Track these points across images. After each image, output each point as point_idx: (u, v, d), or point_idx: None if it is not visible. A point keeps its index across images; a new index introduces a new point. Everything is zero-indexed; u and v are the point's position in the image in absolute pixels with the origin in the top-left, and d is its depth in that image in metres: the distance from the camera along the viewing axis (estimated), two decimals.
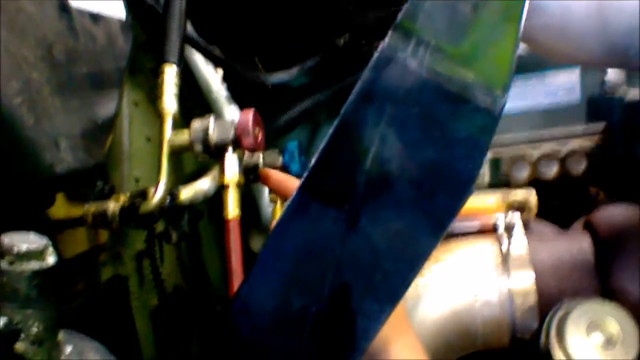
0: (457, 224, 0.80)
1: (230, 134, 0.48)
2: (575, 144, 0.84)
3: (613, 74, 0.83)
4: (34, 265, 0.27)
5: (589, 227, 0.72)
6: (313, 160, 0.34)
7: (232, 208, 0.47)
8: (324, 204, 0.35)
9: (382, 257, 0.34)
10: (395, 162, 0.34)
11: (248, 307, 0.36)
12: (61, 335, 0.30)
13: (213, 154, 0.48)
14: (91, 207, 0.50)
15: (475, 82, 0.33)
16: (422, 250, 0.34)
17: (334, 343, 0.36)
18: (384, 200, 0.34)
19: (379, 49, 0.33)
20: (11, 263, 0.26)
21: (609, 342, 0.57)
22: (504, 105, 0.33)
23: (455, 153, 0.33)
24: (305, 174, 0.35)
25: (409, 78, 0.33)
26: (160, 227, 0.62)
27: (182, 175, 0.75)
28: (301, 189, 0.35)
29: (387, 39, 0.33)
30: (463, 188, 0.33)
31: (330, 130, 0.34)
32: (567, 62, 0.77)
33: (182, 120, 0.54)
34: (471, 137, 0.33)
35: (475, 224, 0.79)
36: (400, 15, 0.33)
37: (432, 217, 0.34)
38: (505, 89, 0.33)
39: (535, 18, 0.53)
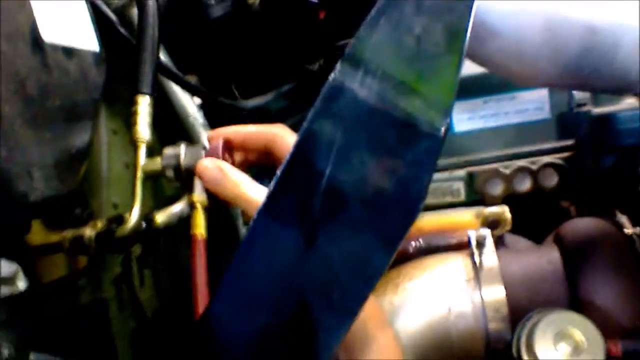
0: (434, 240, 0.83)
1: (201, 159, 0.50)
2: (546, 159, 0.87)
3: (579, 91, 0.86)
4: (4, 291, 0.29)
5: (558, 240, 0.74)
6: (272, 183, 0.37)
7: (199, 225, 0.49)
8: (284, 224, 0.37)
9: (339, 275, 0.37)
10: (349, 185, 0.36)
11: (214, 327, 0.38)
12: (32, 357, 0.32)
13: (184, 179, 0.50)
14: (68, 233, 0.51)
15: (420, 108, 0.35)
16: (376, 267, 0.36)
17: (297, 358, 0.37)
18: (339, 220, 0.36)
19: (329, 78, 0.35)
20: None
21: (576, 351, 0.59)
22: (447, 129, 0.35)
23: (404, 175, 0.36)
24: (265, 196, 0.37)
25: (358, 106, 0.35)
26: (138, 251, 0.64)
27: (161, 201, 0.76)
28: (262, 210, 0.37)
29: (336, 70, 0.35)
30: (413, 208, 0.36)
31: (287, 155, 0.36)
32: (527, 84, 0.80)
33: (160, 148, 0.56)
34: (418, 160, 0.35)
35: (450, 240, 0.82)
36: (348, 48, 0.36)
37: (385, 236, 0.36)
38: (448, 113, 0.35)
39: (490, 42, 0.56)
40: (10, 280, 0.29)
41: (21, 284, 0.30)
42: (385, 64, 0.36)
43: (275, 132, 0.50)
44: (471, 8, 0.37)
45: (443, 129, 0.35)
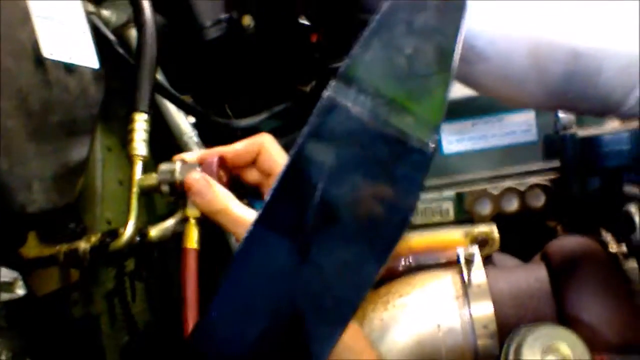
0: (423, 259, 0.84)
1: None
2: (533, 180, 0.89)
3: (565, 114, 0.88)
4: (4, 296, 0.30)
5: (545, 258, 0.76)
6: (268, 196, 0.38)
7: (191, 239, 0.50)
8: (279, 235, 0.38)
9: (332, 285, 0.38)
10: (342, 198, 0.37)
11: (209, 335, 0.39)
12: None
13: (179, 195, 0.51)
14: (63, 247, 0.52)
15: (411, 125, 0.37)
16: (368, 277, 0.37)
17: None
18: (332, 232, 0.37)
19: (324, 96, 0.37)
20: None
21: None
22: (436, 145, 0.37)
23: (395, 189, 0.37)
24: (261, 208, 0.38)
25: (351, 122, 0.37)
26: (131, 266, 0.64)
27: (153, 218, 0.77)
28: (257, 222, 0.38)
29: (330, 88, 0.37)
30: (403, 220, 0.37)
31: (282, 169, 0.38)
32: (514, 105, 0.82)
33: (154, 164, 0.57)
34: (408, 175, 0.37)
35: (440, 258, 0.83)
36: (342, 67, 0.37)
37: (376, 247, 0.37)
38: (437, 130, 0.37)
39: (479, 65, 0.58)
40: (10, 286, 0.30)
41: (20, 291, 0.31)
42: (377, 82, 0.37)
43: (259, 142, 0.52)
44: (459, 30, 0.39)
45: (432, 145, 0.36)
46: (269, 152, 0.52)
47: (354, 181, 0.37)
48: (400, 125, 0.37)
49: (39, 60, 0.45)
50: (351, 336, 0.41)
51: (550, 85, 0.58)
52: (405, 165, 0.37)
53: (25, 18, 0.44)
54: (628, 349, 0.63)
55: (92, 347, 0.60)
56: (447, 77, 0.38)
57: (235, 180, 0.54)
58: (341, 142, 0.37)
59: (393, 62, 0.38)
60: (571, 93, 0.59)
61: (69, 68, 0.48)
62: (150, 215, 0.76)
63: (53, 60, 0.46)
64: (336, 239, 0.37)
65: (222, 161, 0.52)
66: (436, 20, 0.39)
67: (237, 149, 0.53)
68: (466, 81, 0.62)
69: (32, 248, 0.52)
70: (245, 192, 0.54)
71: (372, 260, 0.37)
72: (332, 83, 0.37)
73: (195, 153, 0.53)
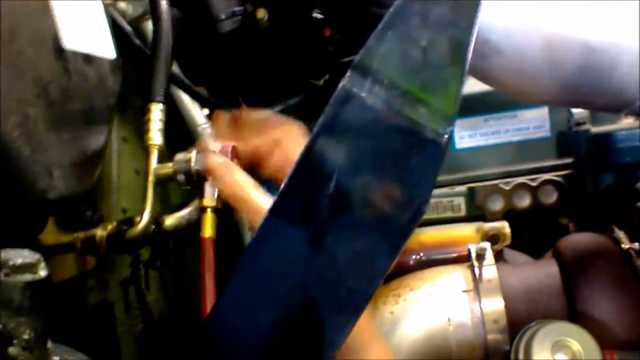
0: (435, 254, 0.84)
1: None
2: (546, 176, 0.88)
3: (579, 110, 0.88)
4: (27, 277, 0.30)
5: (556, 254, 0.75)
6: (282, 185, 0.38)
7: (208, 228, 0.50)
8: (292, 224, 0.38)
9: (345, 274, 0.38)
10: (355, 188, 0.37)
11: (223, 322, 0.40)
12: (50, 345, 0.33)
13: (194, 184, 0.52)
14: (80, 234, 0.53)
15: (425, 116, 0.37)
16: (380, 267, 0.38)
17: (304, 354, 0.39)
18: (346, 222, 0.38)
19: (339, 86, 0.37)
20: (7, 275, 0.30)
21: None
22: (450, 136, 0.37)
23: (408, 180, 0.37)
24: (275, 198, 0.39)
25: (366, 113, 0.37)
26: (146, 254, 0.65)
27: (168, 208, 0.78)
28: (271, 211, 0.39)
29: (346, 78, 0.37)
30: (417, 210, 0.37)
31: (297, 159, 0.38)
32: (528, 100, 0.82)
33: (169, 155, 0.58)
34: (421, 165, 0.37)
35: (451, 254, 0.83)
36: (357, 57, 0.38)
37: (389, 237, 0.38)
38: (451, 122, 0.37)
39: (493, 59, 0.58)
40: (33, 267, 0.31)
41: (43, 272, 0.32)
42: (392, 73, 0.38)
43: (277, 139, 0.53)
44: (474, 22, 0.39)
45: (446, 136, 0.37)
46: (291, 142, 0.52)
47: (368, 171, 0.37)
48: (414, 116, 0.37)
49: (59, 50, 0.45)
50: (362, 326, 0.42)
51: (564, 80, 0.58)
52: (419, 156, 0.37)
53: (45, 9, 0.45)
54: (638, 346, 0.63)
55: (106, 333, 0.61)
56: (462, 70, 0.38)
57: (253, 170, 0.54)
58: (356, 133, 0.37)
59: (408, 54, 0.38)
60: (585, 87, 0.59)
61: (88, 58, 0.49)
62: (165, 205, 0.77)
63: (72, 50, 0.47)
64: (349, 228, 0.38)
65: (235, 150, 0.52)
66: (451, 13, 0.39)
67: (255, 145, 0.54)
68: (480, 75, 0.62)
69: (50, 234, 0.53)
70: (262, 181, 0.55)
71: (386, 250, 0.37)
72: (348, 74, 0.37)
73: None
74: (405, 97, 0.37)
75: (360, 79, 0.37)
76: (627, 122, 0.86)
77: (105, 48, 0.53)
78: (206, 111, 0.81)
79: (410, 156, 0.37)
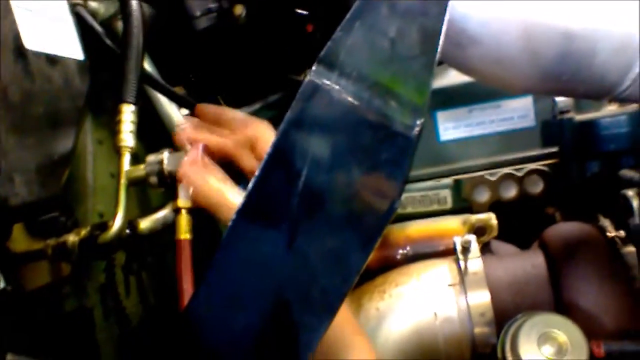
0: (421, 248, 0.83)
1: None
2: (531, 166, 0.88)
3: (563, 98, 0.87)
4: None
5: (542, 244, 0.75)
6: (250, 185, 0.37)
7: (183, 230, 0.49)
8: (263, 225, 0.37)
9: (318, 274, 0.37)
10: (326, 184, 0.36)
11: (196, 323, 0.39)
12: (9, 357, 0.32)
13: (168, 185, 0.51)
14: (51, 241, 0.52)
15: (394, 108, 0.36)
16: (354, 265, 0.37)
17: (278, 355, 0.38)
18: (317, 220, 0.37)
19: (305, 80, 0.36)
20: None
21: (559, 352, 0.59)
22: (421, 129, 0.36)
23: (379, 174, 0.36)
24: (243, 199, 0.37)
25: (334, 107, 0.36)
26: (122, 260, 0.64)
27: (149, 210, 0.76)
28: (240, 212, 0.37)
29: (312, 72, 0.36)
30: (388, 207, 0.36)
31: (265, 157, 0.37)
32: (508, 90, 0.81)
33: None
34: (392, 159, 0.36)
35: (438, 247, 0.82)
36: (323, 51, 0.37)
37: (362, 234, 0.37)
38: (422, 114, 0.36)
39: (471, 49, 0.57)
40: None
41: (1, 283, 0.30)
42: (360, 65, 0.36)
43: (252, 136, 0.51)
44: (445, 10, 0.38)
45: (417, 129, 0.36)
46: (266, 141, 0.51)
47: (338, 167, 0.36)
48: (383, 109, 0.36)
49: (20, 52, 0.44)
50: (341, 323, 0.41)
51: (544, 68, 0.57)
52: (390, 150, 0.36)
53: (5, 10, 0.44)
54: (625, 335, 0.62)
55: (86, 340, 0.60)
56: (432, 59, 0.37)
57: (231, 167, 0.53)
58: (324, 127, 0.36)
59: (376, 45, 0.37)
60: (565, 75, 0.58)
61: (52, 59, 0.48)
62: (146, 208, 0.76)
63: (35, 52, 0.46)
64: (321, 226, 0.37)
65: (207, 149, 0.51)
66: (420, 1, 0.38)
67: (227, 142, 0.52)
68: (458, 66, 0.61)
69: (21, 242, 0.51)
70: (240, 178, 0.54)
71: (358, 248, 0.36)
72: (314, 67, 0.36)
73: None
74: (374, 89, 0.36)
75: (327, 72, 0.36)
76: (611, 109, 0.85)
77: (71, 49, 0.52)
78: (185, 111, 0.79)
79: (381, 150, 0.36)
